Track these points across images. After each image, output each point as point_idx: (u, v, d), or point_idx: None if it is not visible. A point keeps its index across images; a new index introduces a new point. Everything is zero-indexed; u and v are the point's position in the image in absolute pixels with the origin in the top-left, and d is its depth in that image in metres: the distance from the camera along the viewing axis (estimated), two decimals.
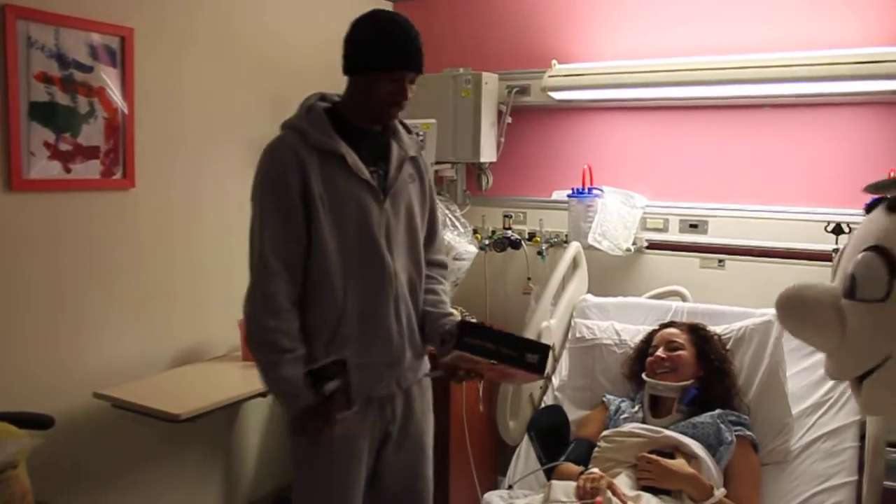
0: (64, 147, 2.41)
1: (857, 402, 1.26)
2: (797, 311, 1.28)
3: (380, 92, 1.91)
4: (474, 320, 3.06)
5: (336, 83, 3.56)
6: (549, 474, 2.13)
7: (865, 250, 1.12)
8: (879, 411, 1.18)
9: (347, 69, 1.96)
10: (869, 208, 1.17)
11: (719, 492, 1.97)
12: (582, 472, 2.04)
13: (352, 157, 1.91)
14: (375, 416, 1.98)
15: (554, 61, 3.21)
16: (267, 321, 1.84)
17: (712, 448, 2.10)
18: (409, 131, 2.09)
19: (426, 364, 2.12)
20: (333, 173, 1.90)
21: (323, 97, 2.01)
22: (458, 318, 2.24)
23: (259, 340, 1.85)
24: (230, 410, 3.02)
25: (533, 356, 1.80)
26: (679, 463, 2.02)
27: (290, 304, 1.87)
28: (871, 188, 1.19)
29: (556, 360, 2.80)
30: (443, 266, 2.19)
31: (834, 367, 1.23)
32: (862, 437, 2.23)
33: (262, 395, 2.68)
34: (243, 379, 2.71)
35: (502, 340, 1.81)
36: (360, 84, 1.93)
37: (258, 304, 1.85)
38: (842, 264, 1.23)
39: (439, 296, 2.11)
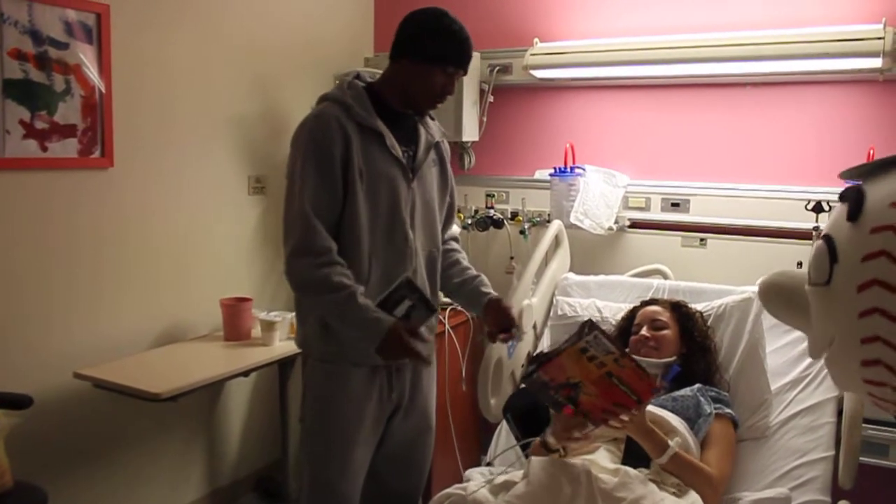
0: (40, 125, 2.38)
1: None
2: (769, 297, 1.36)
3: (433, 84, 2.00)
4: None
5: (317, 61, 3.54)
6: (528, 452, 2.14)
7: (820, 238, 1.18)
8: (843, 388, 1.24)
9: (400, 55, 2.01)
10: (840, 196, 1.21)
11: (674, 442, 1.98)
12: (557, 451, 2.05)
13: (390, 137, 2.00)
14: (384, 383, 2.07)
15: (536, 39, 3.19)
16: (325, 272, 1.89)
17: (691, 421, 2.11)
18: (432, 119, 2.18)
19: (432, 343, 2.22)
20: (372, 149, 1.98)
21: (358, 76, 2.08)
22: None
23: (324, 287, 1.89)
24: (213, 390, 3.02)
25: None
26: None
27: (339, 257, 1.94)
28: (844, 175, 1.23)
29: (537, 338, 2.81)
30: (457, 239, 2.36)
31: (808, 348, 1.30)
32: (839, 413, 2.25)
33: (245, 374, 2.68)
34: (226, 358, 2.71)
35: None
36: (412, 72, 1.99)
37: (312, 259, 1.90)
38: None
39: (461, 263, 2.27)
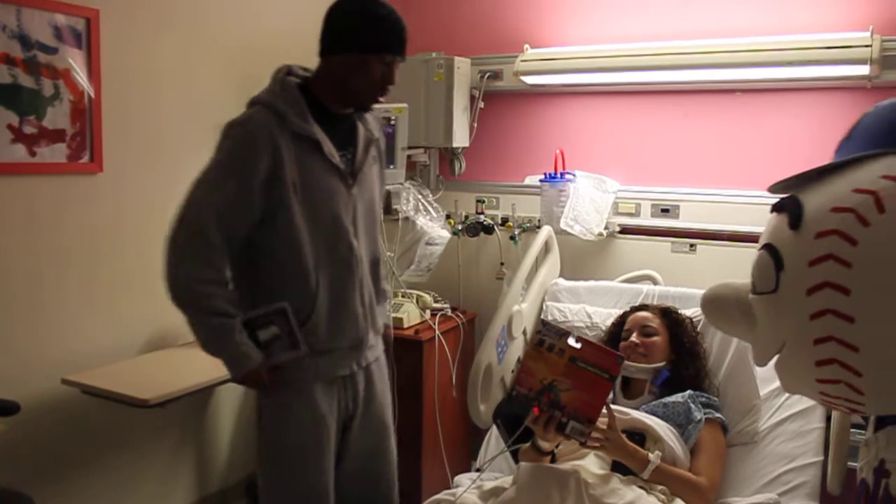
0: (28, 130, 2.37)
1: None
2: (712, 308, 1.43)
3: (371, 76, 1.87)
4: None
5: (307, 66, 3.51)
6: (518, 457, 2.14)
7: (760, 249, 1.24)
8: (792, 391, 1.30)
9: (331, 50, 1.89)
10: (773, 208, 1.26)
11: (654, 455, 1.98)
12: (550, 454, 2.05)
13: (328, 145, 1.89)
14: (340, 395, 2.01)
15: (526, 46, 3.20)
16: (212, 290, 1.81)
17: (681, 427, 2.12)
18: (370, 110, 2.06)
19: (381, 346, 2.17)
20: (307, 159, 1.86)
21: (290, 71, 1.94)
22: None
23: (205, 307, 1.82)
24: (202, 396, 3.01)
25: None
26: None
27: (228, 278, 1.87)
28: (773, 188, 1.29)
29: (527, 344, 2.81)
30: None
31: (754, 355, 1.35)
32: (828, 419, 2.26)
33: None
34: (215, 364, 2.66)
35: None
36: (348, 65, 1.87)
37: (201, 271, 1.81)
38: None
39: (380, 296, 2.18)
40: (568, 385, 1.83)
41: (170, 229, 1.84)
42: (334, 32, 1.88)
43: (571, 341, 1.83)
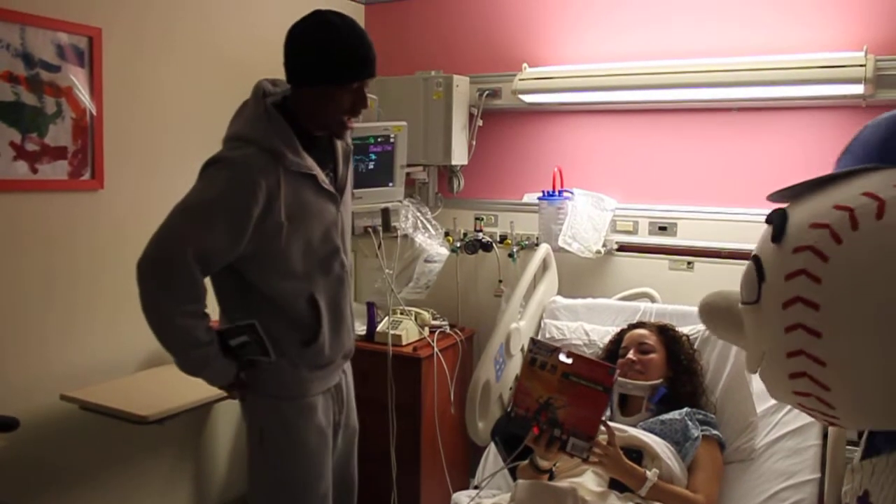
0: (30, 147, 2.39)
1: None
2: (707, 316, 1.43)
3: (343, 104, 1.83)
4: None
5: None
6: (516, 475, 2.14)
7: (750, 259, 1.25)
8: (775, 399, 1.32)
9: (299, 82, 1.84)
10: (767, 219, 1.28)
11: (652, 473, 1.98)
12: (548, 471, 2.05)
13: (320, 174, 1.87)
14: (332, 405, 2.04)
15: (524, 64, 3.23)
16: (193, 324, 1.79)
17: (679, 444, 2.12)
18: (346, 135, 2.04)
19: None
20: (301, 191, 1.84)
21: (265, 93, 1.90)
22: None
23: (187, 340, 1.80)
24: (200, 412, 3.00)
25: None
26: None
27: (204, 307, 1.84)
28: (772, 197, 1.30)
29: None
30: None
31: (746, 361, 1.38)
32: (825, 436, 2.26)
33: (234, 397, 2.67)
34: None
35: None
36: (318, 97, 1.83)
37: (182, 306, 1.77)
38: None
39: None
40: (564, 401, 1.83)
41: (147, 257, 1.78)
42: (296, 66, 1.83)
43: (563, 357, 1.84)
